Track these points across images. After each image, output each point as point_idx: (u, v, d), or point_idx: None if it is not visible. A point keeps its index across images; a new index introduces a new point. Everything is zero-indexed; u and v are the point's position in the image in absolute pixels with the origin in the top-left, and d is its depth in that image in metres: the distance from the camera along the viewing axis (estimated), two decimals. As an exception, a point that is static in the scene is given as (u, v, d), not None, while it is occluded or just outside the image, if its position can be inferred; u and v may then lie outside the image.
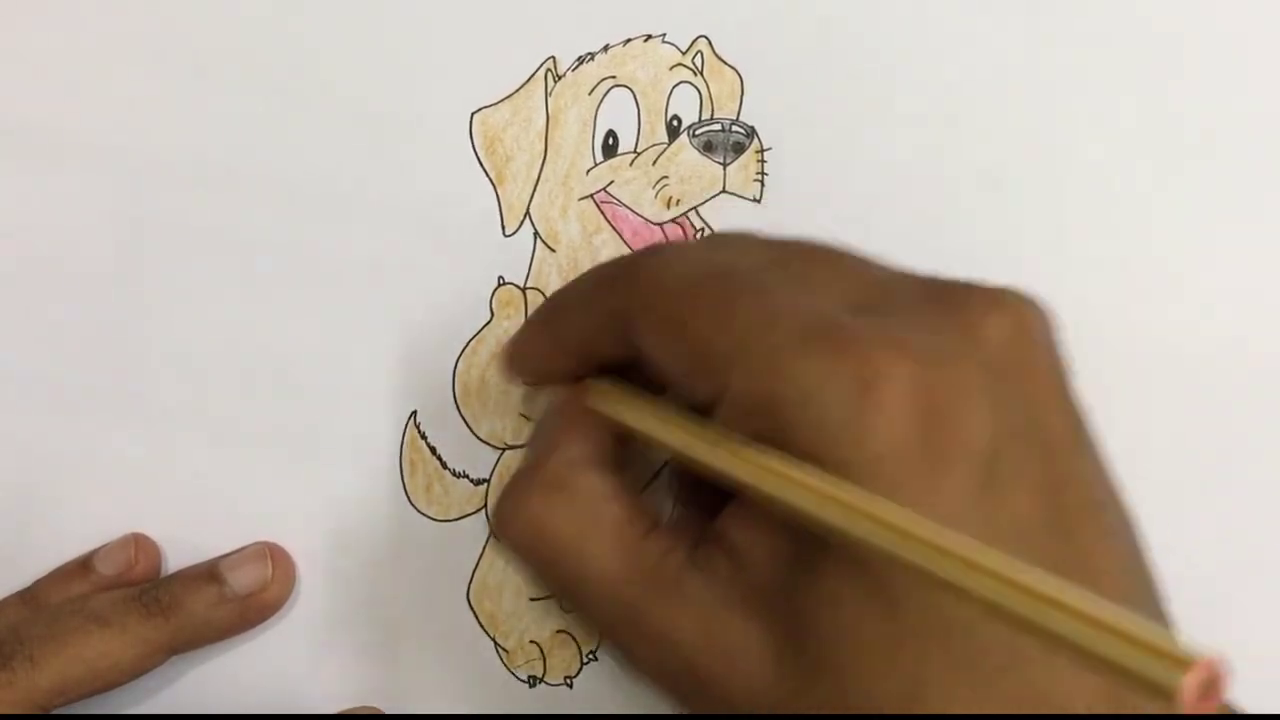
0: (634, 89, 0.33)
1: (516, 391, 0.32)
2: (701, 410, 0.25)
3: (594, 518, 0.26)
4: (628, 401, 0.27)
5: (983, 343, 0.23)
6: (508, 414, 0.33)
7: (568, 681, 0.32)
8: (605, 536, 0.26)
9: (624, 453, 0.28)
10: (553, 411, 0.29)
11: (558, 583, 0.27)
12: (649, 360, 0.26)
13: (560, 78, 0.33)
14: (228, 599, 0.31)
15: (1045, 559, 0.20)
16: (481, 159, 0.33)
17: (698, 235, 0.32)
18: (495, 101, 0.33)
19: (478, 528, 0.33)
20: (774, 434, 0.23)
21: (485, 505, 0.33)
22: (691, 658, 0.24)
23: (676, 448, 0.25)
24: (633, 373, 0.28)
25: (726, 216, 0.32)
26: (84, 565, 0.32)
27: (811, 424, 0.22)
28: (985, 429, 0.22)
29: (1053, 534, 0.22)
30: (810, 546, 0.23)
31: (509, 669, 0.32)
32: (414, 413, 0.33)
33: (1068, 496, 0.23)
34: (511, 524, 0.26)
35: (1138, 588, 0.23)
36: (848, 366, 0.22)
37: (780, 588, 0.23)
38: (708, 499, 0.27)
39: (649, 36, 0.33)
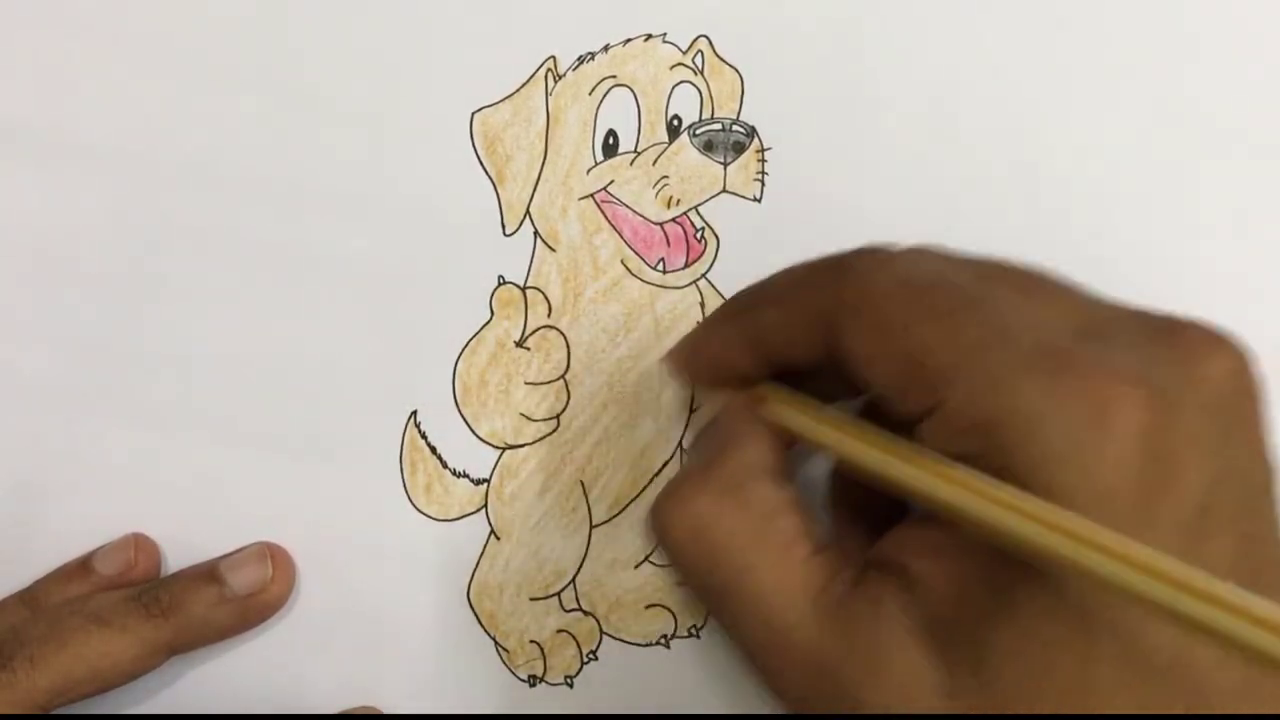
0: (634, 89, 0.33)
1: (517, 392, 0.32)
2: (892, 424, 0.24)
3: (763, 529, 0.25)
4: (808, 411, 0.26)
5: (1203, 384, 0.23)
6: (508, 414, 0.33)
7: (568, 681, 0.32)
8: (773, 551, 0.24)
9: (793, 462, 0.27)
10: (728, 413, 0.27)
11: (714, 591, 0.25)
12: (852, 365, 0.24)
13: (560, 77, 0.33)
14: (228, 599, 0.31)
15: None
16: (481, 159, 0.33)
17: (698, 235, 0.32)
18: (495, 101, 0.33)
19: (478, 528, 0.33)
20: (989, 455, 0.22)
21: (485, 505, 0.33)
22: (855, 685, 0.23)
23: (864, 463, 0.24)
24: (805, 382, 0.27)
25: (727, 216, 0.32)
26: (84, 566, 0.32)
27: (1035, 449, 0.21)
28: (1201, 474, 0.22)
29: (1251, 584, 0.21)
30: (1000, 576, 0.22)
31: (509, 669, 0.32)
32: (414, 413, 0.33)
33: (1262, 549, 0.23)
34: (674, 523, 0.25)
35: None
36: (1078, 393, 0.21)
37: (962, 618, 0.22)
38: (869, 521, 0.26)
39: (649, 36, 0.33)
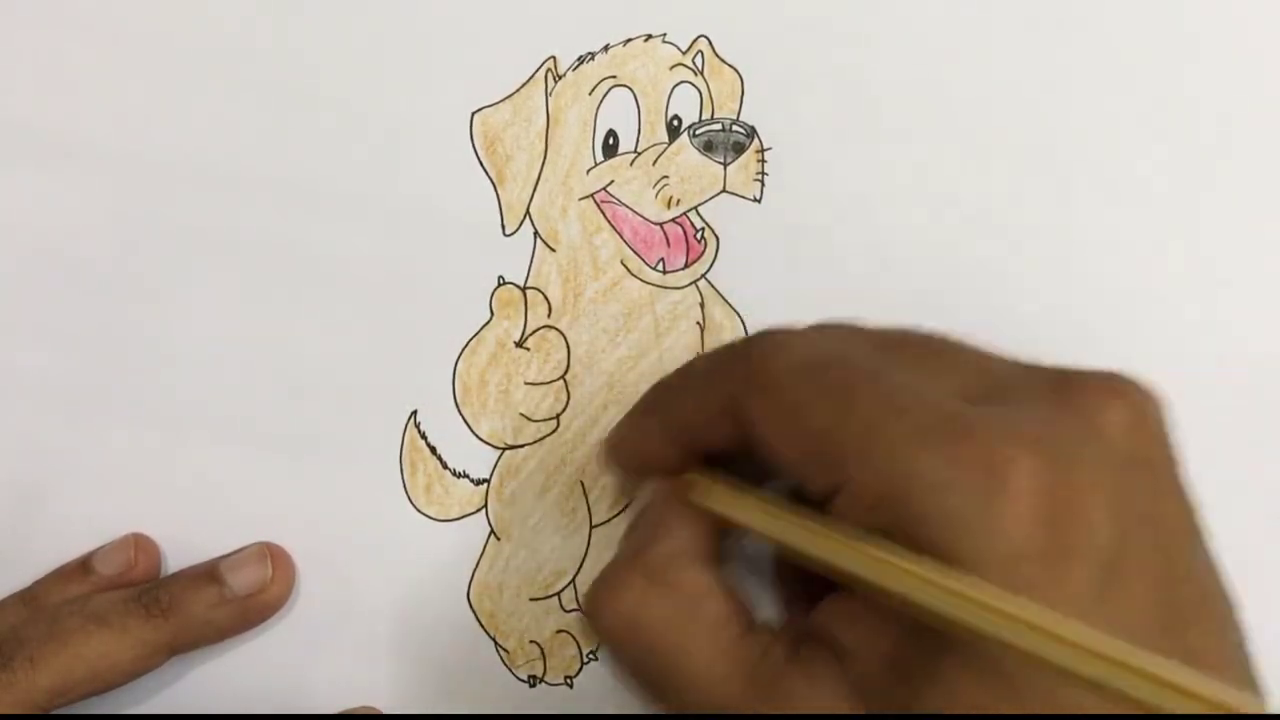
0: (634, 89, 0.33)
1: (517, 392, 0.32)
2: (813, 501, 0.24)
3: (693, 614, 0.25)
4: (732, 494, 0.27)
5: (1103, 434, 0.23)
6: (508, 414, 0.33)
7: (568, 681, 0.32)
8: (704, 633, 0.25)
9: (722, 547, 0.27)
10: (655, 501, 0.28)
11: (650, 678, 0.26)
12: (761, 449, 0.25)
13: (560, 77, 0.33)
14: (228, 599, 0.31)
15: (1161, 655, 0.20)
16: (481, 159, 0.33)
17: (698, 235, 0.32)
18: (495, 101, 0.33)
19: (478, 528, 0.33)
20: (896, 527, 0.22)
21: (485, 505, 0.33)
22: None
23: (787, 541, 0.25)
24: (734, 465, 0.27)
25: (727, 216, 0.32)
26: (84, 566, 0.32)
27: (938, 518, 0.22)
28: (1108, 525, 0.22)
29: (1166, 631, 0.22)
30: (924, 644, 0.22)
31: (509, 669, 0.32)
32: (414, 413, 0.33)
33: (1183, 590, 0.23)
34: (606, 614, 0.26)
35: (1245, 681, 0.23)
36: (975, 460, 0.22)
37: (890, 685, 0.23)
38: (808, 590, 0.26)
39: (649, 36, 0.33)
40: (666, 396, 0.28)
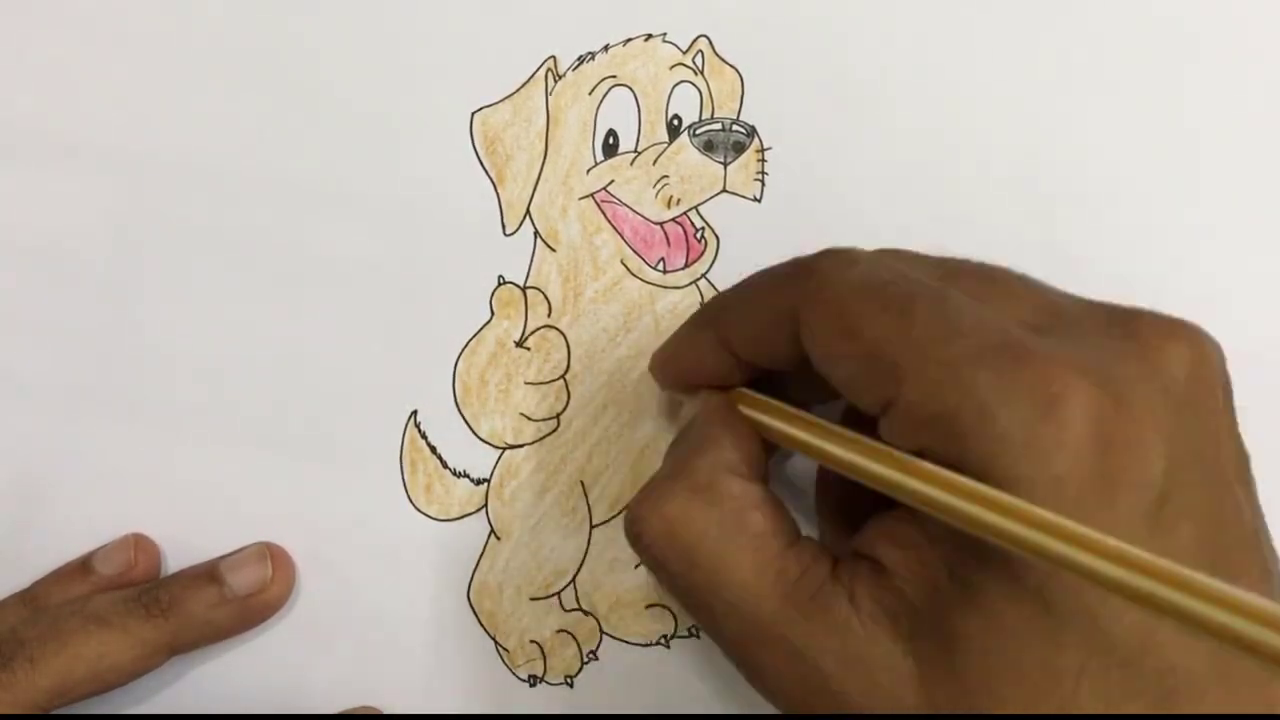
0: (634, 88, 0.33)
1: (517, 392, 0.32)
2: (863, 420, 0.24)
3: (737, 525, 0.25)
4: (781, 411, 0.26)
5: (1162, 371, 0.23)
6: (508, 414, 0.33)
7: (568, 681, 0.32)
8: (746, 545, 0.25)
9: (770, 464, 0.27)
10: (703, 414, 0.27)
11: (689, 589, 0.25)
12: (816, 363, 0.25)
13: (560, 77, 0.33)
14: (228, 599, 0.31)
15: None
16: (482, 159, 0.33)
17: (698, 235, 0.32)
18: (495, 101, 0.33)
19: (478, 528, 0.33)
20: (945, 447, 0.22)
21: (485, 505, 0.33)
22: (830, 676, 0.23)
23: (833, 455, 0.25)
24: (784, 390, 0.27)
25: (727, 216, 0.32)
26: (84, 566, 0.32)
27: (989, 440, 0.22)
28: (1160, 461, 0.22)
29: (1213, 570, 0.21)
30: (965, 565, 0.22)
31: (509, 669, 0.32)
32: (414, 413, 0.33)
33: (1229, 533, 0.23)
34: (649, 523, 0.25)
35: None
36: (1030, 385, 0.22)
37: (931, 606, 0.23)
38: (849, 517, 0.27)
39: (649, 36, 0.33)
40: (724, 309, 0.28)
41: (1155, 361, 0.23)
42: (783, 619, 0.24)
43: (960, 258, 0.26)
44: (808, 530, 0.27)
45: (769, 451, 0.27)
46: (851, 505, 0.26)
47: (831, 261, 0.25)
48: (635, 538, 0.26)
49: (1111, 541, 0.20)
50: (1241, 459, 0.24)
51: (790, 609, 0.24)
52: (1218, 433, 0.24)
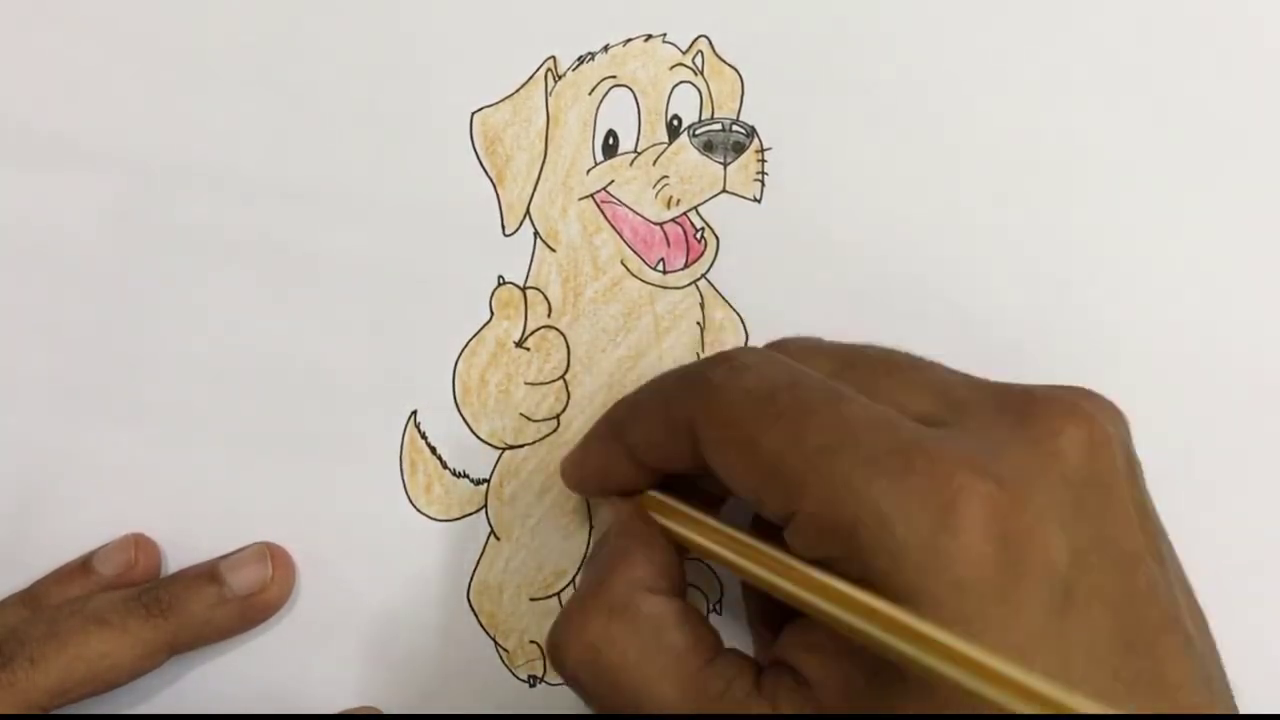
0: (634, 89, 0.33)
1: (517, 392, 0.32)
2: (769, 525, 0.24)
3: (657, 645, 0.25)
4: (689, 519, 0.27)
5: (1059, 457, 0.23)
6: (508, 414, 0.33)
7: (568, 681, 0.32)
8: (668, 665, 0.25)
9: (684, 571, 0.27)
10: (615, 530, 0.28)
11: (614, 711, 0.25)
12: (717, 474, 0.25)
13: (560, 77, 0.33)
14: (228, 599, 0.31)
15: (1123, 676, 0.20)
16: (481, 159, 0.33)
17: (698, 235, 0.32)
18: (495, 101, 0.33)
19: (478, 528, 0.33)
20: (847, 558, 0.22)
21: (485, 505, 0.33)
22: None
23: (743, 566, 0.25)
24: (698, 480, 0.27)
25: (727, 216, 0.32)
26: (84, 566, 0.32)
27: (889, 552, 0.21)
28: (1063, 549, 0.22)
29: (1130, 651, 0.22)
30: (881, 674, 0.22)
31: (509, 669, 0.32)
32: (414, 413, 0.33)
33: (1145, 610, 0.23)
34: (570, 649, 0.25)
35: (1213, 699, 0.23)
36: (925, 490, 0.22)
37: (849, 714, 0.23)
38: (773, 618, 0.26)
39: (649, 36, 0.33)
40: (625, 419, 0.28)
41: (1050, 447, 0.23)
42: None
43: (858, 345, 0.26)
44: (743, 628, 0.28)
45: (683, 556, 0.27)
46: (773, 606, 0.26)
47: (723, 372, 0.25)
48: (559, 664, 0.26)
49: (996, 663, 0.20)
50: (1152, 533, 0.24)
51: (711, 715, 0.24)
52: (1122, 511, 0.23)
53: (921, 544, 0.21)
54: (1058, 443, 0.23)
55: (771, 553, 0.24)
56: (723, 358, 0.26)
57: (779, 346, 0.27)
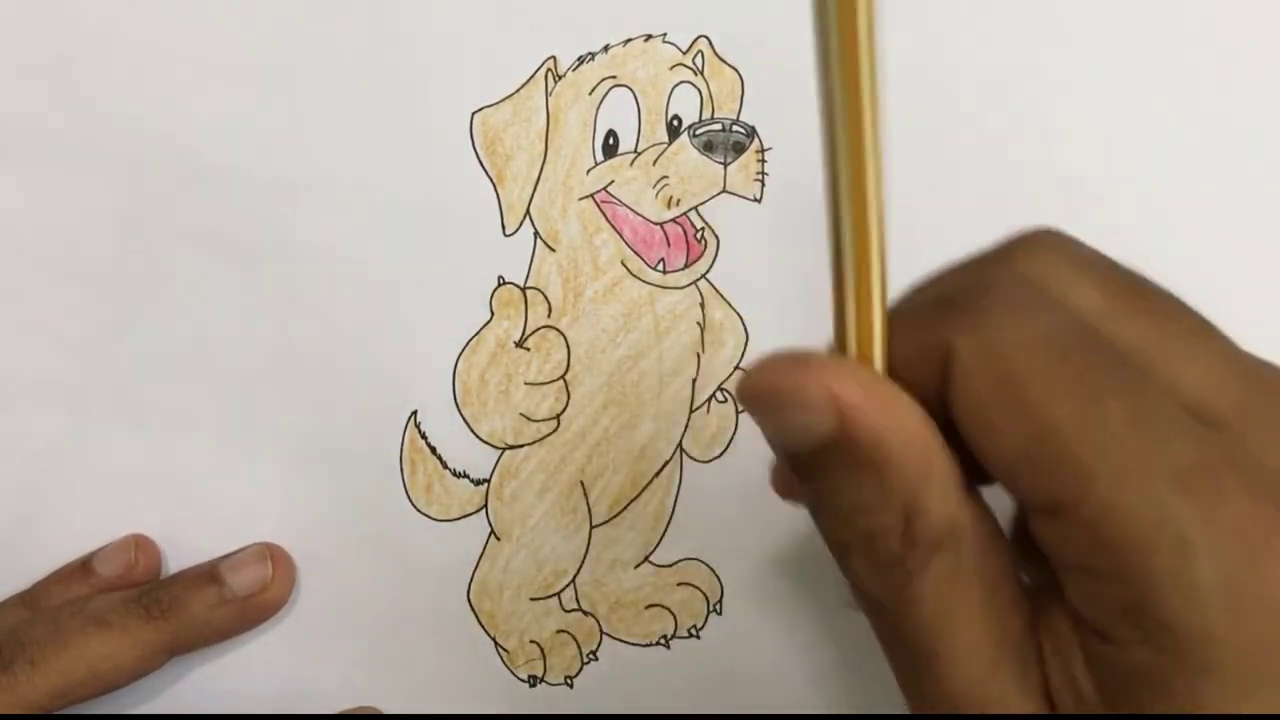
0: (634, 89, 0.32)
1: (517, 392, 0.32)
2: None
3: (982, 582, 0.20)
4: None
5: None
6: (508, 414, 0.33)
7: (568, 681, 0.32)
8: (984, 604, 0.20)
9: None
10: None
11: (916, 653, 0.21)
12: (966, 425, 0.20)
13: (560, 78, 0.33)
14: (228, 600, 0.31)
15: None
16: (481, 159, 0.33)
17: (698, 235, 0.32)
18: (495, 101, 0.33)
19: (478, 528, 0.33)
20: (1121, 577, 0.19)
21: (485, 505, 0.33)
22: None
23: None
24: None
25: (727, 216, 0.32)
26: (84, 567, 0.32)
27: (1186, 585, 0.18)
28: None
29: None
30: None
31: (509, 669, 0.32)
32: (414, 413, 0.33)
33: None
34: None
35: None
36: (1236, 523, 0.18)
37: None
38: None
39: (649, 36, 0.33)
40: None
41: None
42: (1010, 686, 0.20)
43: (1131, 270, 0.22)
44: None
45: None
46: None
47: (1001, 294, 0.20)
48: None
49: None
50: None
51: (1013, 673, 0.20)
52: None
53: (1225, 586, 0.18)
54: None
55: None
56: (1004, 284, 0.21)
57: (1027, 244, 0.22)
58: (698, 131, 0.32)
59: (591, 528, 0.32)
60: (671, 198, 0.32)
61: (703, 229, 0.33)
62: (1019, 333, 0.20)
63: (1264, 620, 0.18)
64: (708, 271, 0.33)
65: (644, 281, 0.33)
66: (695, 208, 0.32)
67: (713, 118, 0.32)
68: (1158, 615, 0.18)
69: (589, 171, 0.33)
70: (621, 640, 0.32)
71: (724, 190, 0.32)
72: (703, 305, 0.33)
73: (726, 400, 0.33)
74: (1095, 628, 0.19)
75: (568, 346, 0.32)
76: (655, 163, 0.32)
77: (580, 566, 0.32)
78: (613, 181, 0.32)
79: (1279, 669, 0.18)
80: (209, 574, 0.31)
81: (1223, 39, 0.32)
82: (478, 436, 0.33)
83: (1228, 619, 0.18)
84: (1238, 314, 0.32)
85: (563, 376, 0.32)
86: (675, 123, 0.32)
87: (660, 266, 0.32)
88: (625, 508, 0.32)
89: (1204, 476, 0.19)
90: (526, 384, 0.33)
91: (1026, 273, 0.21)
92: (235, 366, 0.33)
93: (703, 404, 0.33)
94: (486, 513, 0.33)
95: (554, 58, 0.33)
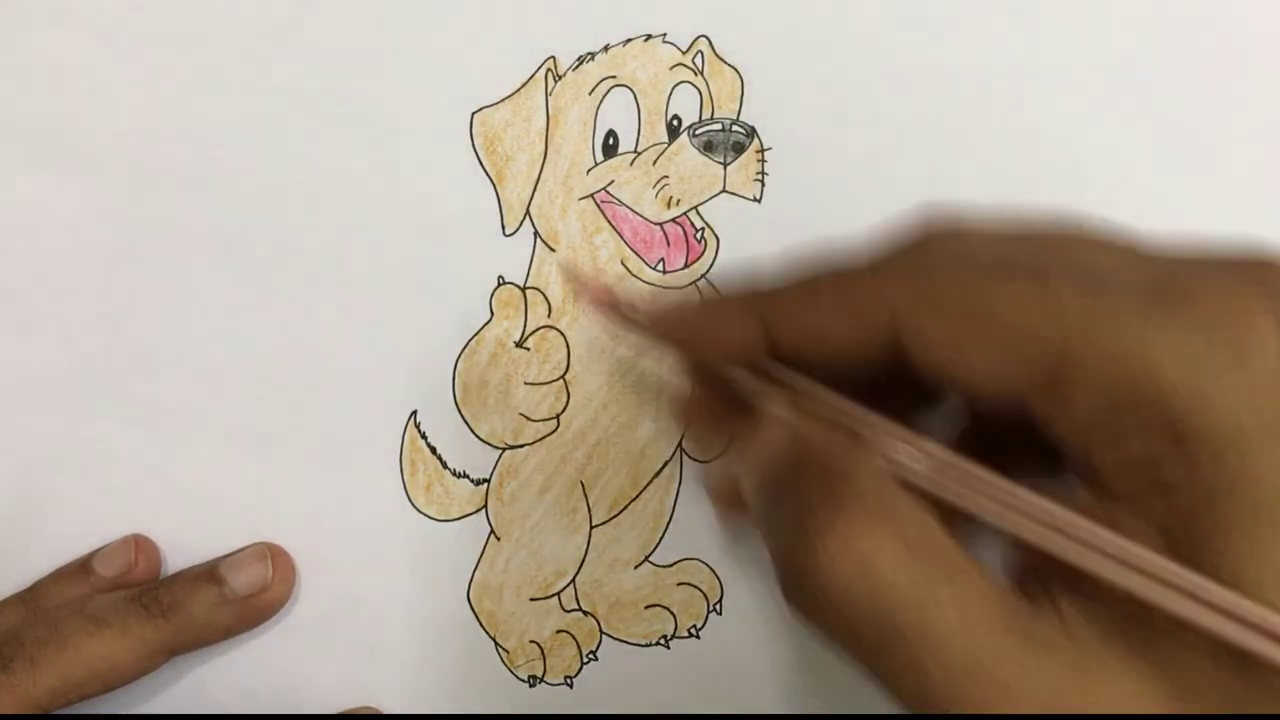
0: (634, 89, 0.33)
1: (517, 392, 0.32)
2: (988, 413, 0.22)
3: (930, 553, 0.21)
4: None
5: None
6: (508, 414, 0.33)
7: (568, 681, 0.32)
8: (945, 578, 0.20)
9: None
10: (816, 446, 0.23)
11: (883, 638, 0.20)
12: (934, 364, 0.21)
13: (560, 77, 0.33)
14: (228, 600, 0.31)
15: None
16: (481, 159, 0.33)
17: (698, 235, 0.32)
18: (495, 101, 0.33)
19: (478, 528, 0.33)
20: (1137, 406, 0.19)
21: (485, 505, 0.33)
22: (1066, 694, 0.20)
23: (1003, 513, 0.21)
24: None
25: (727, 216, 0.32)
26: (84, 567, 0.32)
27: (1190, 388, 0.19)
28: None
29: None
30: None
31: (509, 669, 0.32)
32: (414, 413, 0.33)
33: None
34: (833, 566, 0.20)
35: None
36: (1212, 318, 0.19)
37: (1147, 613, 0.20)
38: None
39: (649, 36, 0.33)
40: (780, 301, 0.24)
41: None
42: (1005, 660, 0.20)
43: (1029, 216, 0.24)
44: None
45: None
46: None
47: (921, 258, 0.23)
48: (813, 585, 0.21)
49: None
50: None
51: (1011, 647, 0.20)
52: None
53: (1225, 378, 0.19)
54: None
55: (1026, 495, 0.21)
56: (908, 249, 0.23)
57: (940, 235, 0.24)
58: (698, 131, 0.32)
59: (591, 528, 0.32)
60: (671, 198, 0.32)
61: (703, 229, 0.33)
62: (954, 261, 0.22)
63: (1271, 403, 0.19)
64: (708, 271, 0.33)
65: (644, 282, 0.33)
66: (695, 208, 0.32)
67: (713, 118, 0.32)
68: (1187, 427, 0.19)
69: (589, 171, 0.33)
70: (621, 640, 0.32)
71: (724, 190, 0.32)
72: (703, 305, 0.32)
73: (726, 400, 0.33)
74: (1118, 490, 0.20)
75: (568, 346, 0.32)
76: (655, 163, 0.32)
77: (580, 566, 0.32)
78: (613, 181, 0.32)
79: None
80: (209, 574, 0.31)
81: (1223, 38, 0.32)
82: (478, 436, 0.33)
83: (1238, 408, 0.19)
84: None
85: (563, 376, 0.32)
86: (675, 123, 0.32)
87: (660, 266, 0.32)
88: (625, 508, 0.32)
89: (1166, 291, 0.20)
90: (526, 384, 0.33)
91: (935, 234, 0.23)
92: (235, 366, 0.33)
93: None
94: (486, 513, 0.33)
95: (554, 58, 0.33)
